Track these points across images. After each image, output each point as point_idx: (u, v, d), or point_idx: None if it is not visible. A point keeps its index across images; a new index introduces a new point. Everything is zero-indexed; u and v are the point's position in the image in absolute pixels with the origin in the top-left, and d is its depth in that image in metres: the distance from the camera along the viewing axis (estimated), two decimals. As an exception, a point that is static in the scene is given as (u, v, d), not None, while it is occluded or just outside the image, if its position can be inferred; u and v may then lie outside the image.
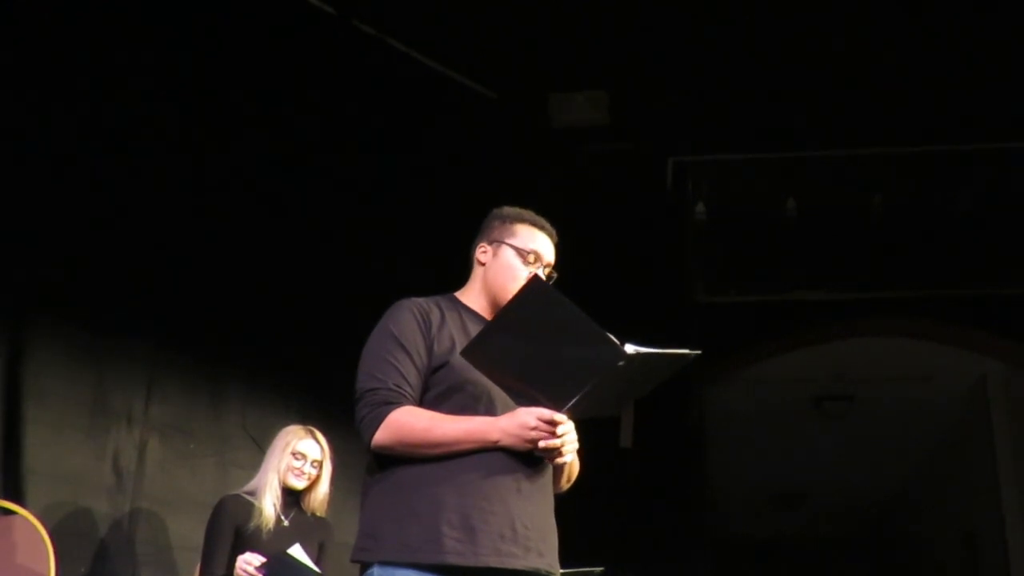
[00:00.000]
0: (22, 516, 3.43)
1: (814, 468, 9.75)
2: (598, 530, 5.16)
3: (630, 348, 2.06)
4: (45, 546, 3.36)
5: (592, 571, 3.79)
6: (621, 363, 2.06)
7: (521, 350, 2.15)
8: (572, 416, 2.23)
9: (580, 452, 2.51)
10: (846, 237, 6.46)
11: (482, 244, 2.54)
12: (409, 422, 2.23)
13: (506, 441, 2.20)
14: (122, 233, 4.16)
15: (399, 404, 2.25)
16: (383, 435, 2.23)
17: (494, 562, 2.16)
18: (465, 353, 2.21)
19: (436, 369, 2.31)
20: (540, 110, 5.82)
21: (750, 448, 9.05)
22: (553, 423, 2.17)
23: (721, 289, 6.63)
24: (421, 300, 2.43)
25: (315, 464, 3.72)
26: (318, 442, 3.75)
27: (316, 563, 3.46)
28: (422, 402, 2.30)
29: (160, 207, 4.31)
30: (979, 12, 5.05)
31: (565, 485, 2.47)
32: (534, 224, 2.54)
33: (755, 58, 5.41)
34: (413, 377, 2.29)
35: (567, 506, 2.53)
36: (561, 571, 2.32)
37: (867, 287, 6.55)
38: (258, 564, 3.42)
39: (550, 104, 5.81)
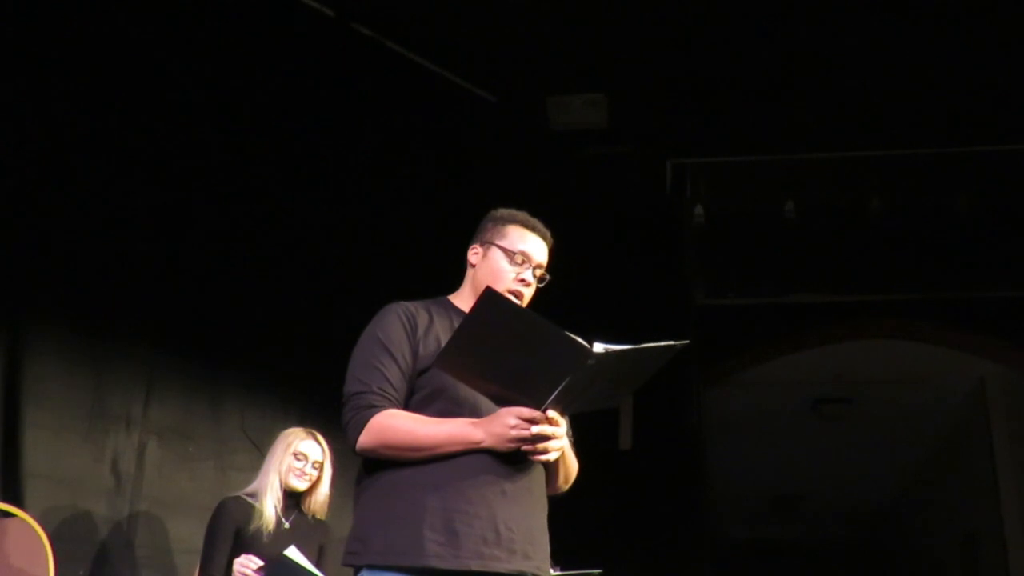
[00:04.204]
0: (21, 519, 3.42)
1: (813, 470, 9.76)
2: (597, 532, 5.16)
3: (599, 347, 2.05)
4: (44, 549, 3.36)
5: (590, 573, 3.79)
6: (591, 362, 2.06)
7: (489, 358, 2.15)
8: (562, 412, 2.24)
9: (579, 454, 2.51)
10: (845, 239, 6.46)
11: (474, 246, 2.55)
12: (392, 425, 2.24)
13: (489, 442, 2.20)
14: (121, 236, 4.16)
15: (382, 407, 2.26)
16: (366, 438, 2.25)
17: (476, 566, 2.16)
18: (437, 364, 2.22)
19: (421, 372, 2.32)
20: (538, 113, 5.82)
21: (749, 450, 9.05)
22: (533, 421, 2.18)
23: (720, 291, 6.63)
24: (409, 304, 2.43)
25: (316, 465, 3.72)
26: (319, 443, 3.75)
27: (316, 566, 3.46)
28: (408, 405, 2.31)
29: (159, 209, 4.31)
30: (978, 13, 5.05)
31: (563, 486, 2.46)
32: (525, 225, 2.53)
33: (754, 59, 5.42)
34: (398, 380, 2.30)
35: (566, 508, 2.52)
36: (560, 573, 2.32)
37: (866, 289, 6.55)
38: (256, 567, 3.42)
39: (548, 106, 5.80)
